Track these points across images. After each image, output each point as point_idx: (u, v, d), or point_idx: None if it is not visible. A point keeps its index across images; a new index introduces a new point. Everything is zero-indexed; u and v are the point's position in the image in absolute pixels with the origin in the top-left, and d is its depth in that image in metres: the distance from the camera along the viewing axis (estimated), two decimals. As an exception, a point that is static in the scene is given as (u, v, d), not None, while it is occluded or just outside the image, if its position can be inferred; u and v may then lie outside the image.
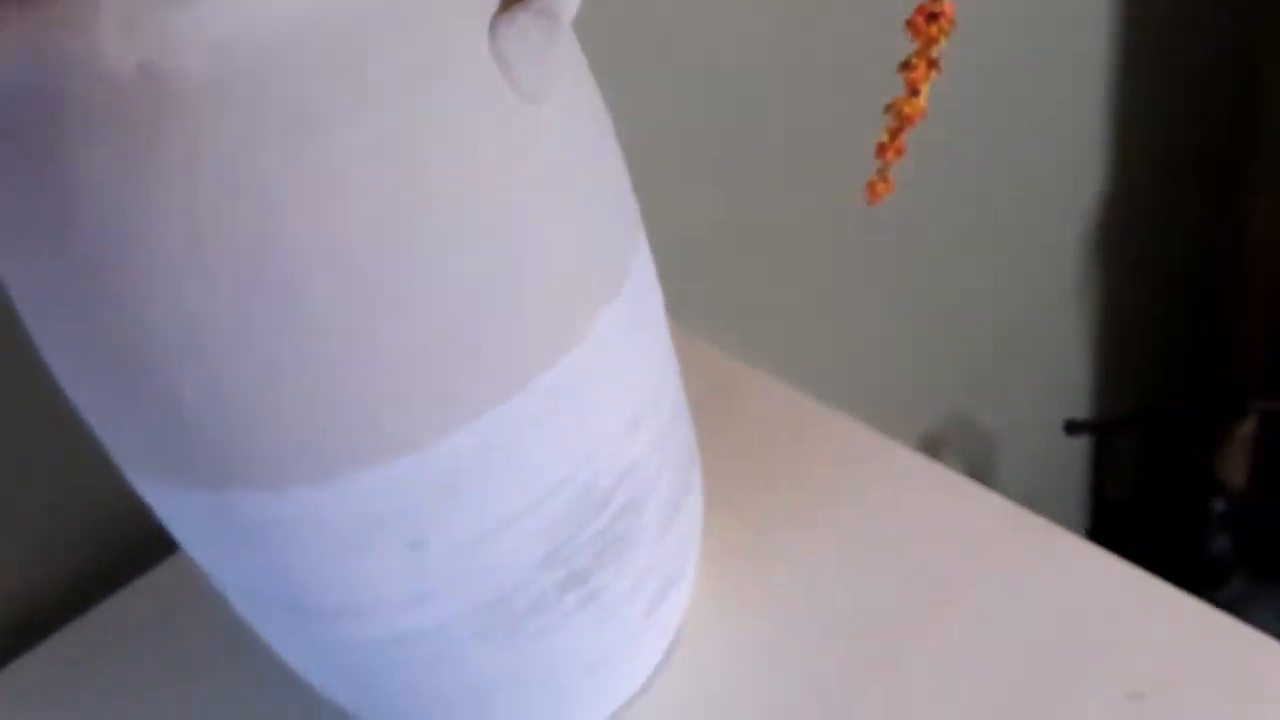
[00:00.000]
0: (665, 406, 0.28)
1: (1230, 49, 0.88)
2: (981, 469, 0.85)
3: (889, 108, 0.27)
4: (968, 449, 0.83)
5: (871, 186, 0.28)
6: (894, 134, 0.27)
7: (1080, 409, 0.94)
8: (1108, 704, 0.29)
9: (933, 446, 0.79)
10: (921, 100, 0.27)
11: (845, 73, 0.59)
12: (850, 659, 0.32)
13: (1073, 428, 0.87)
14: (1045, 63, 0.73)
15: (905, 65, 0.27)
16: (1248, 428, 0.89)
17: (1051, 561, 0.33)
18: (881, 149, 0.27)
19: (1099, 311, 0.90)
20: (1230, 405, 0.85)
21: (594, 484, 0.25)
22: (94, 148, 0.18)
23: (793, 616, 0.33)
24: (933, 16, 0.26)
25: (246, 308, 0.20)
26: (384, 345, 0.21)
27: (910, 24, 0.26)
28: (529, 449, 0.23)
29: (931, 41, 0.26)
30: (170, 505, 0.24)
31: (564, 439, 0.24)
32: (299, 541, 0.23)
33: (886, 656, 0.31)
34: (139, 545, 0.42)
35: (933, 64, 0.26)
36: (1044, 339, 0.87)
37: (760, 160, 0.57)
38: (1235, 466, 0.89)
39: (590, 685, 0.29)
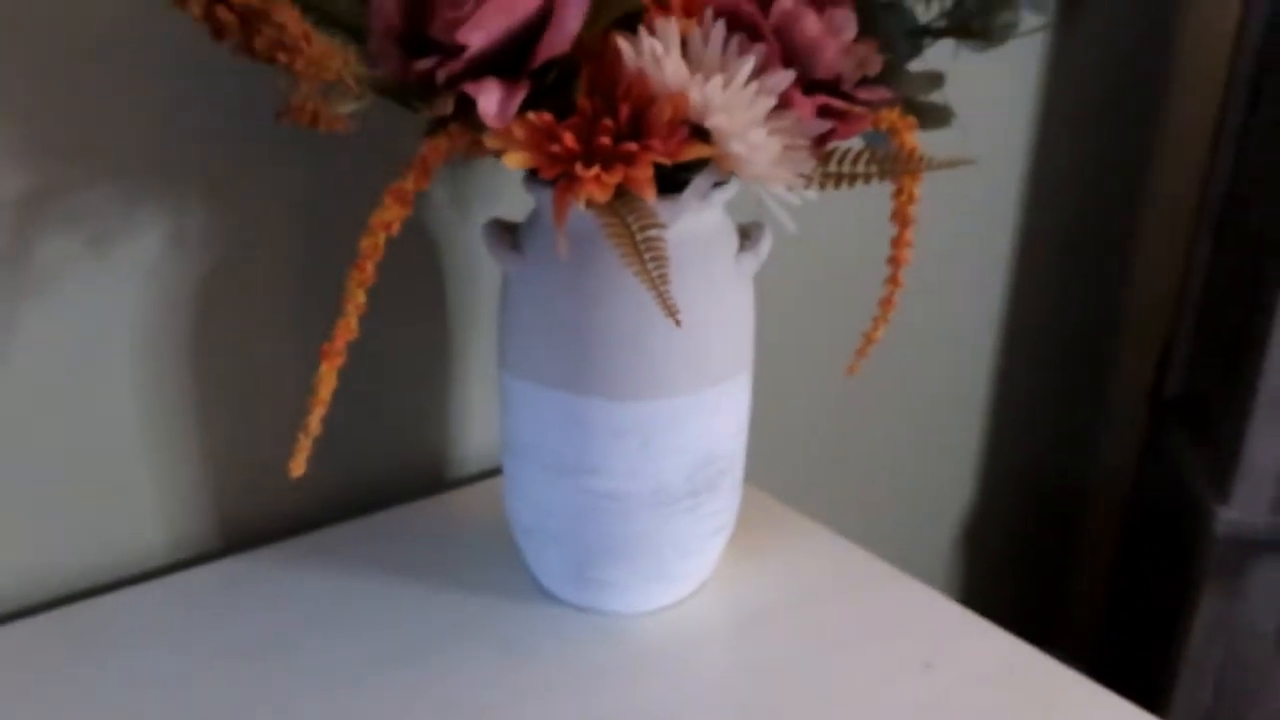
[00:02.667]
0: (743, 436, 0.59)
1: (1079, 404, 1.27)
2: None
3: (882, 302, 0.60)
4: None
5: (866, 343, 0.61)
6: (885, 307, 0.60)
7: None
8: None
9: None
10: (894, 297, 0.59)
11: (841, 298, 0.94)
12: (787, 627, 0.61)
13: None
14: (930, 394, 1.10)
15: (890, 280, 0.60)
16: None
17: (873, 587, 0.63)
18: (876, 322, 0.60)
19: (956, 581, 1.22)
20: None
21: (713, 451, 0.56)
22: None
23: (766, 592, 0.62)
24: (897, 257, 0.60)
25: (631, 339, 0.51)
26: (679, 350, 0.52)
27: (892, 260, 0.60)
28: (705, 417, 0.54)
29: (895, 287, 0.59)
30: (530, 398, 0.54)
31: (713, 423, 0.55)
32: (595, 428, 0.53)
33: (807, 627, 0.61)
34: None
35: (891, 302, 0.60)
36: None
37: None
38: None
39: (678, 567, 0.58)
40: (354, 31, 0.45)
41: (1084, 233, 1.17)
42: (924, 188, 0.96)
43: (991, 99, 1.00)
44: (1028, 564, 1.32)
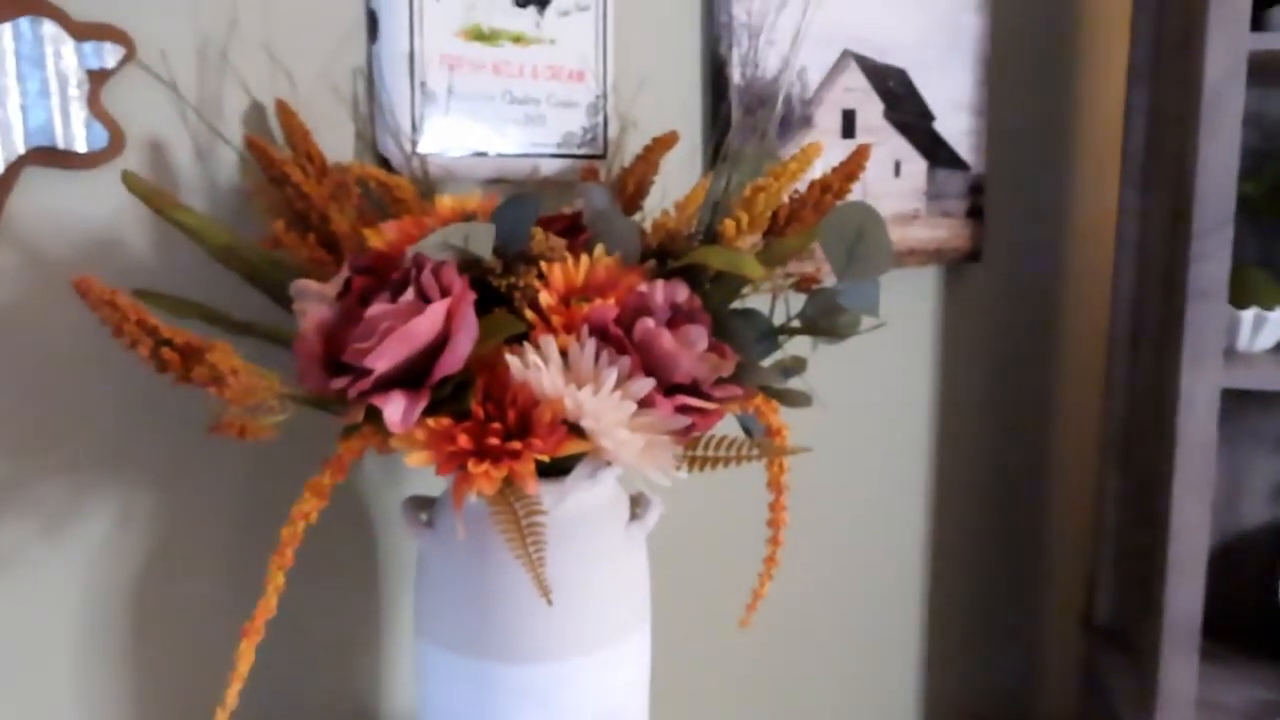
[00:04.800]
0: (643, 688, 0.63)
1: (1012, 653, 1.30)
2: None
3: (766, 559, 0.67)
4: None
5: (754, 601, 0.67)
6: (769, 565, 0.66)
7: None
8: None
9: None
10: (776, 555, 0.66)
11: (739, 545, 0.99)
12: None
13: None
14: (863, 627, 1.14)
15: (771, 539, 0.67)
16: None
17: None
18: (762, 579, 0.67)
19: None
20: None
21: (613, 704, 0.60)
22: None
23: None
24: (776, 520, 0.66)
25: (529, 606, 0.57)
26: (572, 615, 0.57)
27: (771, 523, 0.66)
28: (603, 674, 0.59)
29: (776, 546, 0.66)
30: (439, 662, 0.59)
31: (611, 678, 0.60)
32: (498, 690, 0.58)
33: None
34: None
35: (774, 559, 0.66)
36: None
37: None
38: None
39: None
40: (287, 343, 0.54)
41: (1000, 471, 1.25)
42: (842, 435, 1.04)
43: (902, 357, 1.10)
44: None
